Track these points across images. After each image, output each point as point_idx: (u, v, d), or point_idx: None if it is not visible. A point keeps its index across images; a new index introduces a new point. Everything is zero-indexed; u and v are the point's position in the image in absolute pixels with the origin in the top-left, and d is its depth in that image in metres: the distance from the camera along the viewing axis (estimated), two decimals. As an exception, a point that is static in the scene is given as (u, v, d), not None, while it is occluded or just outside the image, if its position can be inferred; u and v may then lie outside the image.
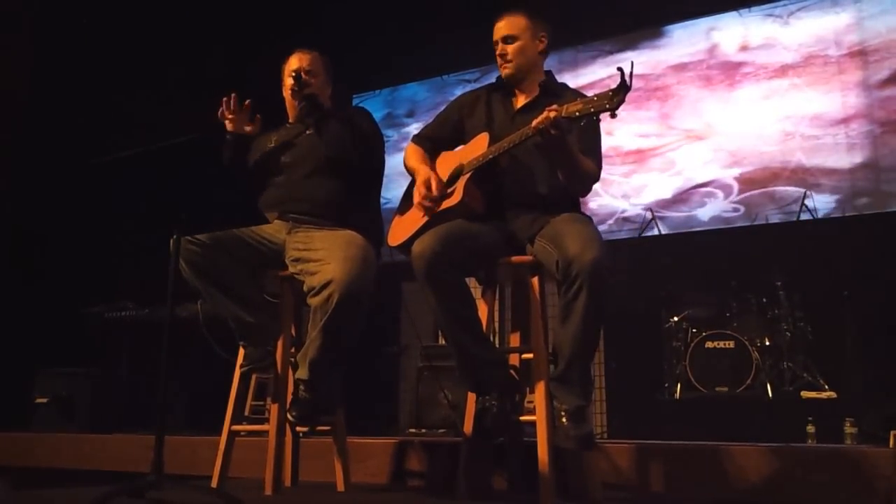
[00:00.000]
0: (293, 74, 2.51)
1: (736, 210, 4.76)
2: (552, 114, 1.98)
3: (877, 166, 4.43)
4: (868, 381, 3.63)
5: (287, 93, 2.64)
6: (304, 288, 2.24)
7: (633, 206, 5.08)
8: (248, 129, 2.56)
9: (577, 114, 1.95)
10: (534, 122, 2.02)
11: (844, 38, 4.66)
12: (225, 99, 2.50)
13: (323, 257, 2.23)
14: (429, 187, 2.28)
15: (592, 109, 1.93)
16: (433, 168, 2.40)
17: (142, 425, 3.70)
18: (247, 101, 2.53)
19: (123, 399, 4.10)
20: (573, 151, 2.10)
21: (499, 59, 2.38)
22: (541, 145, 2.06)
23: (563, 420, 2.02)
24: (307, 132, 2.59)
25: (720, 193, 4.83)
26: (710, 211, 4.84)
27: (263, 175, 2.61)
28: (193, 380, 4.01)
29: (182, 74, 4.78)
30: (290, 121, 2.71)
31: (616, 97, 1.87)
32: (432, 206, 2.27)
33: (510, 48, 2.34)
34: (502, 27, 2.37)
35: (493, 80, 2.49)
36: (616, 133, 5.12)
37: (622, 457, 2.45)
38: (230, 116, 2.52)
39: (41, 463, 3.50)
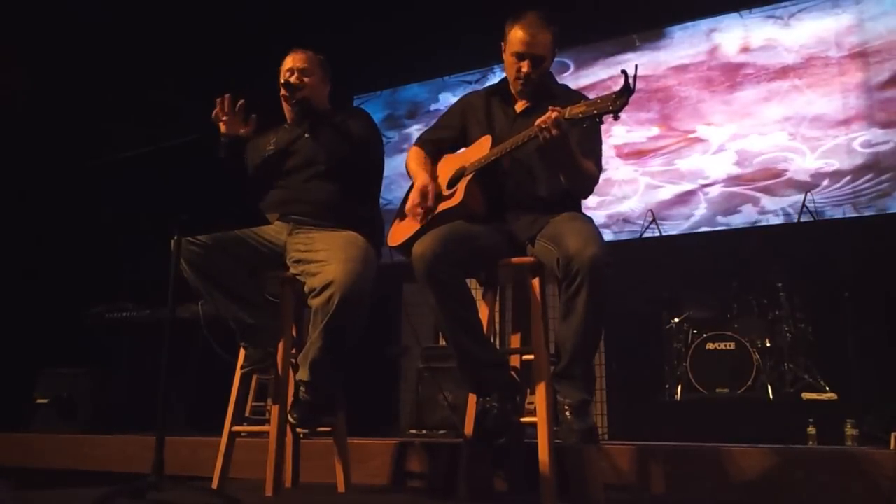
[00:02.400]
0: (283, 83, 2.49)
1: (736, 212, 4.76)
2: (554, 115, 1.98)
3: (877, 168, 4.43)
4: (869, 383, 3.62)
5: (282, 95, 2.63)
6: (305, 289, 2.24)
7: (633, 208, 5.07)
8: (242, 130, 2.54)
9: (581, 115, 1.95)
10: (536, 123, 2.02)
11: (845, 39, 4.66)
12: (219, 100, 2.48)
13: (324, 258, 2.24)
14: (424, 196, 2.24)
15: (595, 111, 1.93)
16: (434, 172, 2.40)
17: (142, 426, 3.70)
18: (240, 102, 2.50)
19: (124, 400, 4.10)
20: (574, 153, 2.10)
21: (517, 73, 2.26)
22: (542, 147, 2.06)
23: (567, 414, 2.02)
24: (306, 135, 2.58)
25: (721, 195, 4.83)
26: (710, 212, 4.84)
27: (264, 178, 2.61)
28: (194, 381, 4.01)
29: (182, 74, 4.78)
30: (289, 121, 2.70)
31: (619, 99, 1.87)
32: (423, 214, 2.24)
33: (536, 71, 2.25)
34: (533, 45, 2.22)
35: (493, 81, 2.48)
36: (615, 134, 5.12)
37: (623, 458, 2.45)
38: (224, 118, 2.50)
39: (42, 463, 3.50)
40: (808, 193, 4.39)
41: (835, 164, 4.53)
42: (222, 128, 2.52)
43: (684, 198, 4.95)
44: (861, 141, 4.49)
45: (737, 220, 4.75)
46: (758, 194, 4.74)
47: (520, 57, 2.26)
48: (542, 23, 2.24)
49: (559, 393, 2.07)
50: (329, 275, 2.15)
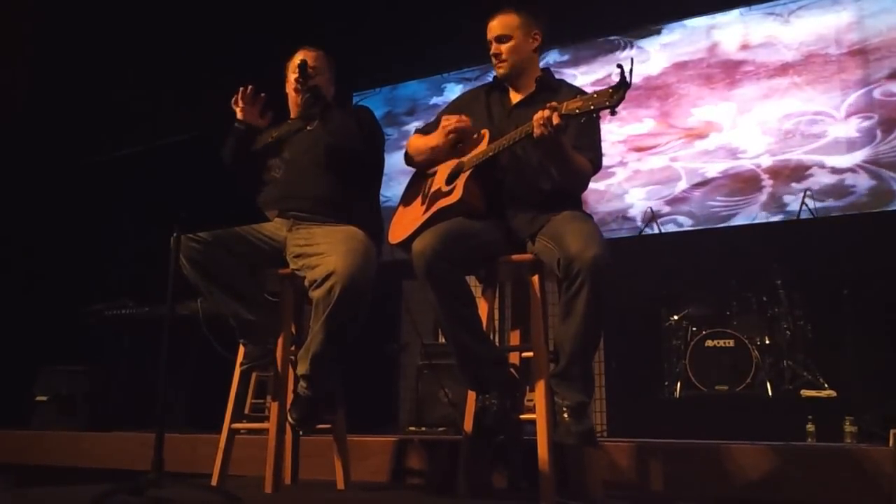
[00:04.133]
0: (298, 64, 2.49)
1: (735, 209, 4.76)
2: (551, 112, 1.98)
3: (877, 165, 4.43)
4: (868, 380, 3.62)
5: (290, 88, 2.64)
6: (306, 282, 2.24)
7: (633, 205, 5.07)
8: (253, 119, 2.57)
9: (577, 111, 1.95)
10: (534, 118, 2.02)
11: (845, 36, 4.66)
12: (242, 88, 2.51)
13: (324, 251, 2.24)
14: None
15: (592, 107, 1.93)
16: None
17: (142, 423, 3.70)
18: (262, 95, 2.54)
19: (123, 397, 4.10)
20: (566, 148, 2.11)
21: (493, 59, 2.39)
22: (535, 142, 2.07)
23: (565, 416, 2.02)
24: (307, 128, 2.58)
25: (720, 192, 4.83)
26: (709, 210, 4.84)
27: (262, 172, 2.61)
28: (193, 378, 4.01)
29: (182, 73, 4.77)
30: (292, 116, 2.71)
31: (616, 94, 1.87)
32: (462, 127, 2.30)
33: (503, 47, 2.36)
34: (495, 26, 2.38)
35: (492, 78, 2.50)
36: (615, 131, 5.12)
37: (622, 455, 2.45)
38: (241, 106, 2.52)
39: (41, 461, 3.51)
40: (808, 190, 4.38)
41: (834, 161, 4.52)
42: (239, 114, 2.54)
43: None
44: (860, 138, 4.49)
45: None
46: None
47: (490, 43, 2.39)
48: (507, 9, 2.39)
49: (557, 395, 2.07)
50: (330, 266, 2.15)
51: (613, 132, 5.10)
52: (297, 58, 2.61)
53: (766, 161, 4.71)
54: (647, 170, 5.08)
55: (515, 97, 2.39)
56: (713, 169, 4.87)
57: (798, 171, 4.61)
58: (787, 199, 4.58)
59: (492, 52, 2.39)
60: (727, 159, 4.84)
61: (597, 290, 1.94)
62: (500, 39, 2.37)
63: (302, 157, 2.54)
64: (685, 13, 5.17)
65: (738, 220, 4.71)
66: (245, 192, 2.64)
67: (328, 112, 2.47)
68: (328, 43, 2.77)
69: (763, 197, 4.68)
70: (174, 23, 4.85)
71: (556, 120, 1.97)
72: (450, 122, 2.33)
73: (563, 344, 2.04)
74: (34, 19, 4.74)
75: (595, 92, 1.95)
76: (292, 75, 2.57)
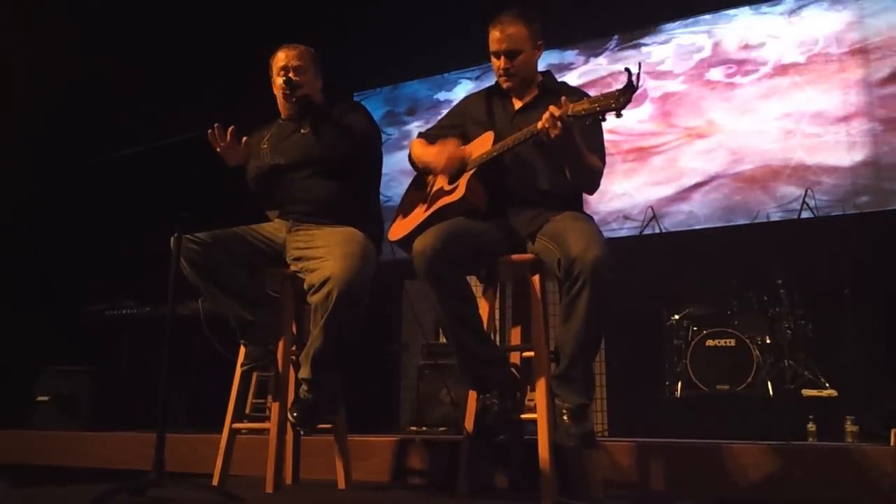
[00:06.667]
0: (284, 80, 2.48)
1: (736, 209, 4.75)
2: (557, 113, 1.98)
3: (878, 164, 4.42)
4: (869, 380, 3.63)
5: (277, 90, 2.62)
6: (305, 286, 2.24)
7: (633, 205, 5.07)
8: (237, 159, 2.51)
9: (584, 112, 1.95)
10: (540, 123, 2.02)
11: (846, 36, 4.66)
12: (210, 132, 2.41)
13: (322, 255, 2.24)
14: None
15: (598, 109, 1.93)
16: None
17: (143, 423, 3.70)
18: (231, 129, 2.42)
19: (124, 397, 4.10)
20: (581, 149, 2.10)
21: (499, 71, 2.32)
22: (549, 143, 2.06)
23: (565, 418, 2.02)
24: (301, 131, 2.57)
25: (721, 192, 4.83)
26: (710, 209, 4.83)
27: (264, 188, 2.60)
28: (194, 378, 4.01)
29: (182, 73, 4.77)
30: (283, 116, 2.69)
31: (622, 97, 1.87)
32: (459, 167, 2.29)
33: (513, 64, 2.28)
34: (503, 40, 2.26)
35: (494, 78, 2.48)
36: (616, 131, 5.11)
37: (623, 455, 2.45)
38: (218, 150, 2.47)
39: (42, 461, 3.51)
40: (809, 190, 4.38)
41: (834, 161, 4.52)
42: None
43: (685, 195, 4.94)
44: (861, 137, 4.48)
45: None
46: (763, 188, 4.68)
47: (496, 55, 2.31)
48: (513, 18, 2.29)
49: (557, 397, 2.07)
50: (327, 271, 2.15)
51: (613, 132, 5.10)
52: (279, 59, 2.59)
53: (767, 161, 4.71)
54: (648, 169, 5.08)
55: (518, 102, 2.38)
56: (714, 169, 4.87)
57: (799, 171, 4.61)
58: (788, 198, 4.58)
59: (500, 66, 2.29)
60: (728, 159, 4.84)
61: (598, 293, 1.94)
62: (510, 56, 2.27)
63: (299, 161, 2.53)
64: (686, 13, 5.17)
65: (739, 220, 4.72)
66: (252, 198, 2.63)
67: (319, 126, 2.45)
68: (329, 43, 2.76)
69: (764, 196, 4.67)
70: (175, 22, 4.84)
71: (556, 113, 1.97)
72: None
73: (564, 346, 2.04)
74: (35, 19, 4.74)
75: (601, 94, 1.94)
76: (279, 79, 2.54)
